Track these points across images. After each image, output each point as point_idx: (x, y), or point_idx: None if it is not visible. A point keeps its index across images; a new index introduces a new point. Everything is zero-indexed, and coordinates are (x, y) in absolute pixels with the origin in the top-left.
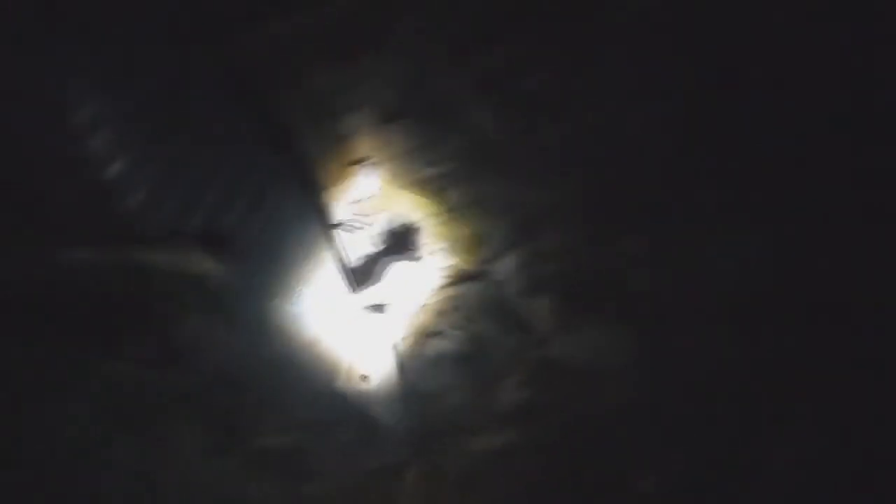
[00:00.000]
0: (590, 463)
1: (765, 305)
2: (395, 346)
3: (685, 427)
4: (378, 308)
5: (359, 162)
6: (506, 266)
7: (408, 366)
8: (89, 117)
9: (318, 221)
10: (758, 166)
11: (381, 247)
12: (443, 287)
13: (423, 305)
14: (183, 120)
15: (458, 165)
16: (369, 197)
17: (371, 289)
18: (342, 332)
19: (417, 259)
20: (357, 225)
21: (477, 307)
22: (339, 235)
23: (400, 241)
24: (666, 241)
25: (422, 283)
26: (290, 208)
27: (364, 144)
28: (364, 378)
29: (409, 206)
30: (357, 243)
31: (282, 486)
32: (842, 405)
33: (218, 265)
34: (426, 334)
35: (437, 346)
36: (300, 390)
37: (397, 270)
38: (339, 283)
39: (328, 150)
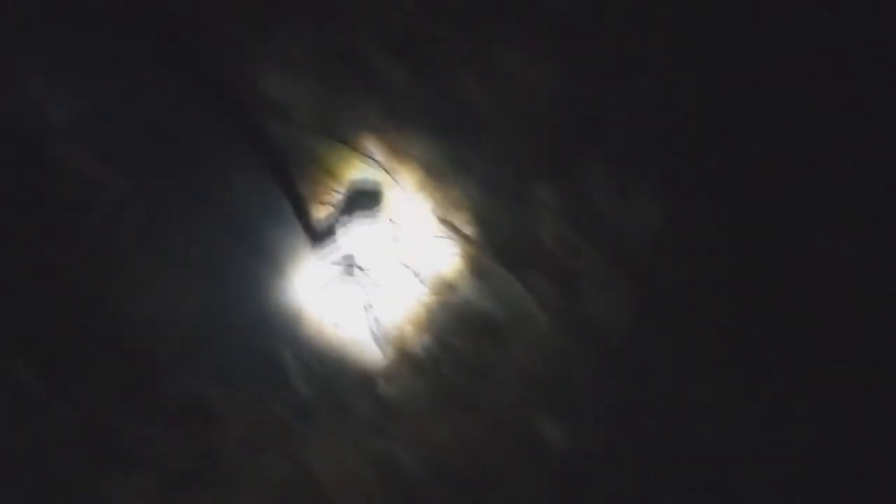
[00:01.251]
0: (502, 410)
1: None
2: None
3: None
4: (338, 263)
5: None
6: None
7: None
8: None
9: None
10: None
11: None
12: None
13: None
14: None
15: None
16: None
17: (331, 246)
18: (302, 286)
19: (375, 216)
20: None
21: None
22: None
23: (358, 199)
24: (580, 195)
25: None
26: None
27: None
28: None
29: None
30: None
31: (187, 435)
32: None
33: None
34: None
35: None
36: (219, 340)
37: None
38: (300, 239)
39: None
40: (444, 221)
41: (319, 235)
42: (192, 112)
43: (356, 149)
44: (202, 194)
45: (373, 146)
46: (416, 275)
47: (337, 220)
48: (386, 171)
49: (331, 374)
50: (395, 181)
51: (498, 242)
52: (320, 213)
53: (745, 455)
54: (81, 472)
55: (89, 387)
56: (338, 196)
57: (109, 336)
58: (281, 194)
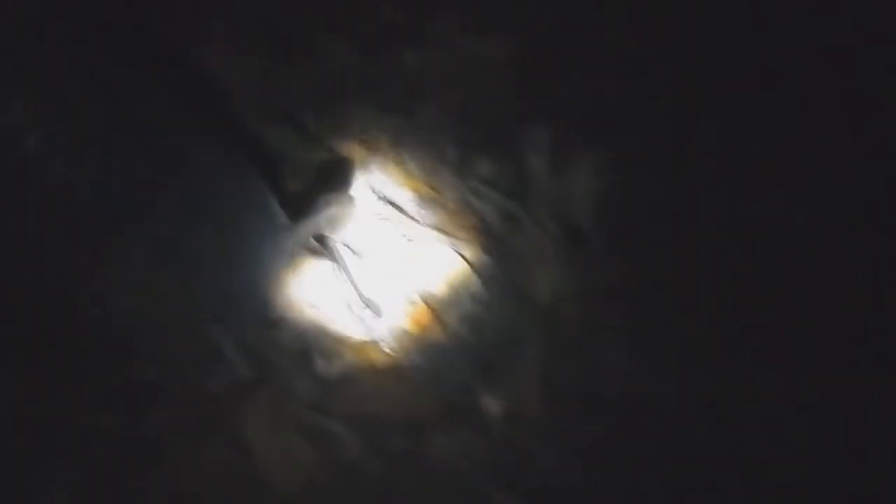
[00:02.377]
0: (443, 386)
1: None
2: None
3: None
4: (313, 241)
5: None
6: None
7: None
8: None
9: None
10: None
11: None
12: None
13: None
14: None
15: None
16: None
17: (304, 223)
18: (276, 266)
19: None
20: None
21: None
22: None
23: (331, 176)
24: (521, 169)
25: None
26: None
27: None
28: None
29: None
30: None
31: (121, 418)
32: None
33: None
34: None
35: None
36: (166, 323)
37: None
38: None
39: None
40: (384, 198)
41: (291, 216)
42: (150, 95)
43: (299, 128)
44: (165, 172)
45: (313, 124)
46: (359, 254)
47: (307, 201)
48: (329, 149)
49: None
50: (338, 158)
51: (439, 218)
52: (288, 192)
53: (694, 428)
54: (5, 463)
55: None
56: (306, 177)
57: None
58: (248, 176)
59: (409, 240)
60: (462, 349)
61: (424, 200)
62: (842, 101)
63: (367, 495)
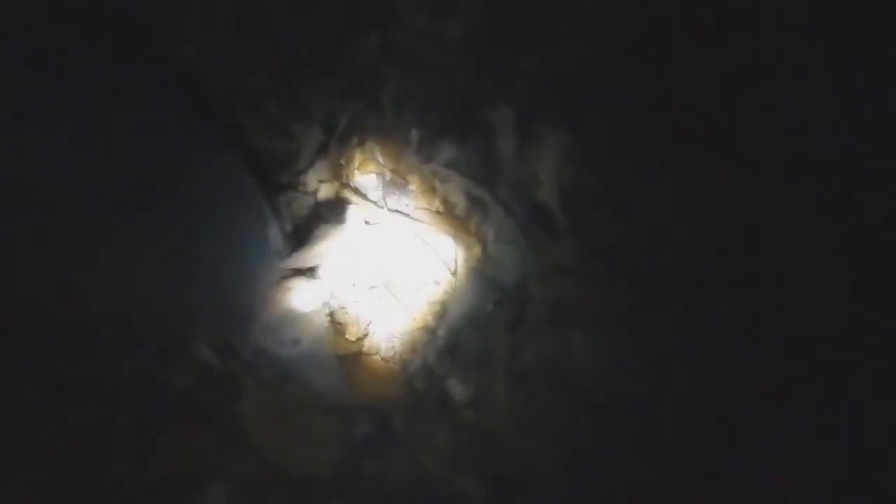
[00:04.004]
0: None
1: None
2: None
3: None
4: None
5: None
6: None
7: None
8: None
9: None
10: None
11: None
12: None
13: None
14: None
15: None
16: None
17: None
18: (273, 293)
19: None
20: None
21: None
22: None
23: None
24: (487, 151)
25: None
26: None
27: None
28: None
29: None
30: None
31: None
32: None
33: None
34: None
35: None
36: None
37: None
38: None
39: None
40: (346, 186)
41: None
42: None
43: (265, 115)
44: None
45: (276, 110)
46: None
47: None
48: (291, 136)
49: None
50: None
51: (404, 203)
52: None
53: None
54: None
55: None
56: (304, 204)
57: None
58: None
59: (372, 224)
60: (427, 333)
61: (388, 185)
62: (802, 75)
63: (331, 481)
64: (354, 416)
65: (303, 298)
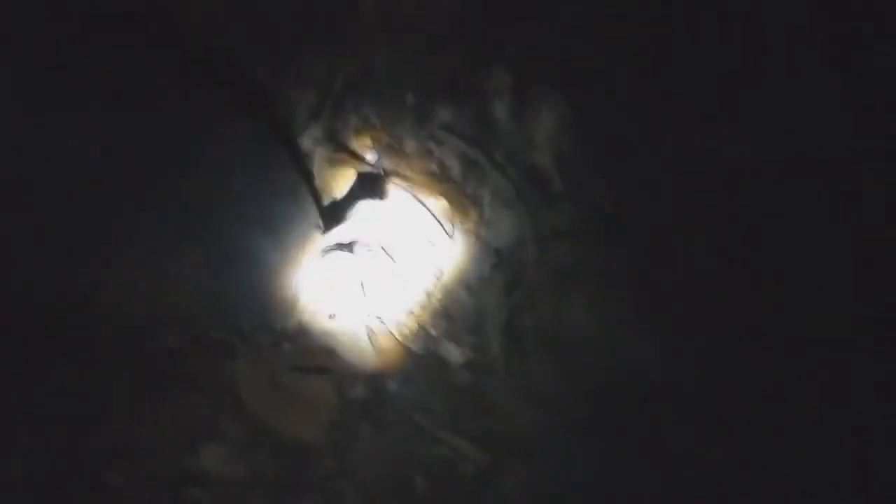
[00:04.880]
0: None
1: None
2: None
3: None
4: (345, 247)
5: None
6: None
7: None
8: None
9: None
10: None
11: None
12: None
13: None
14: None
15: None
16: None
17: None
18: (306, 269)
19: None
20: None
21: None
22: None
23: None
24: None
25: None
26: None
27: None
28: (331, 316)
29: None
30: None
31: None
32: None
33: None
34: None
35: None
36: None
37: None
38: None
39: None
40: (343, 148)
41: (327, 219)
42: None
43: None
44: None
45: (271, 73)
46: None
47: (342, 205)
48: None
49: None
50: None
51: (400, 167)
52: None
53: (655, 374)
54: None
55: None
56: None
57: None
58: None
59: (368, 188)
60: (422, 296)
61: (383, 148)
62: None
63: (327, 444)
64: (349, 378)
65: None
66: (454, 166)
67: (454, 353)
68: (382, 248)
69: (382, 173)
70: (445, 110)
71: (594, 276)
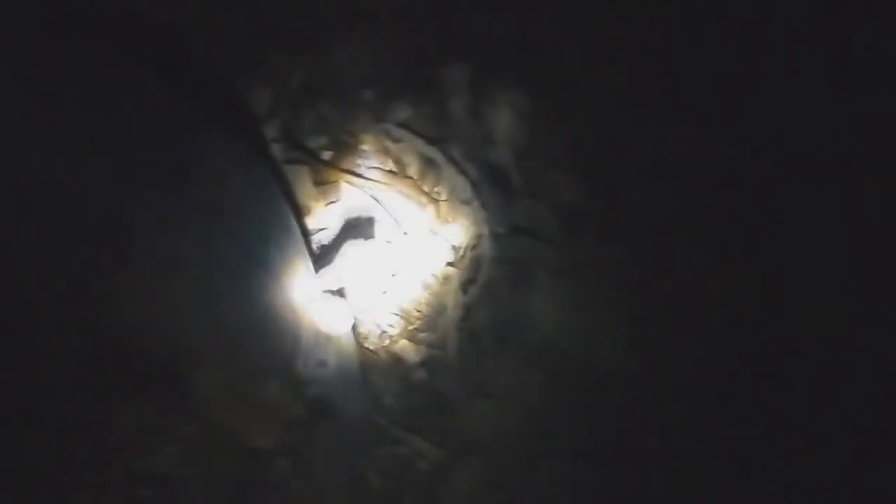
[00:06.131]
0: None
1: None
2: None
3: None
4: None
5: None
6: None
7: None
8: None
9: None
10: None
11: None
12: None
13: None
14: None
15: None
16: None
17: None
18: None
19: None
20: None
21: None
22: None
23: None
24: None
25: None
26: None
27: None
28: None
29: None
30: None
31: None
32: None
33: None
34: None
35: None
36: None
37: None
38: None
39: None
40: (299, 147)
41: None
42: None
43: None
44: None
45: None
46: None
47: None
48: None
49: None
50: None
51: (357, 165)
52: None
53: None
54: None
55: None
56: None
57: None
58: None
59: (323, 186)
60: (378, 293)
61: (340, 145)
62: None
63: (280, 443)
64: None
65: None
66: (412, 163)
67: (410, 351)
68: (337, 244)
69: (338, 170)
70: (402, 107)
71: (552, 272)
